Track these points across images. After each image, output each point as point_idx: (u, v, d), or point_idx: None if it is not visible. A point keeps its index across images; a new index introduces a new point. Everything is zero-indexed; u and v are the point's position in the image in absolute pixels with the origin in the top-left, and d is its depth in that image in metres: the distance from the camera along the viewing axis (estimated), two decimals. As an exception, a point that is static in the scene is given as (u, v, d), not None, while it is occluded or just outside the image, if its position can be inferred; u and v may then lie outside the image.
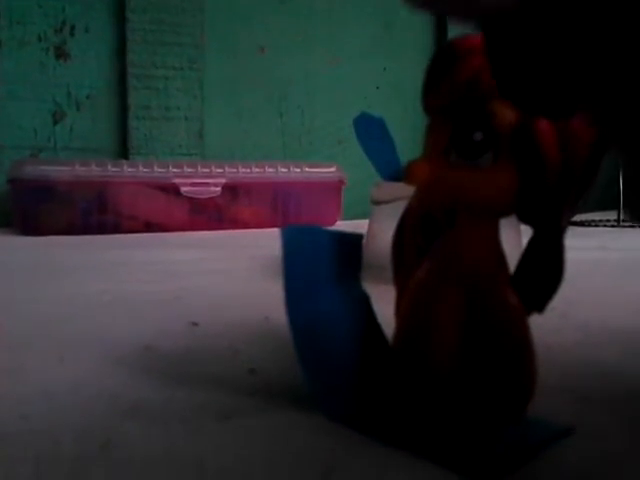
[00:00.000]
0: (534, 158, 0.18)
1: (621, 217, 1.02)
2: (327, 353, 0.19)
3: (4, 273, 0.53)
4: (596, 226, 1.04)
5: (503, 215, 0.19)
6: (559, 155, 0.18)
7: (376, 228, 0.45)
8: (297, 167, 1.03)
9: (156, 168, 0.94)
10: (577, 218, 1.08)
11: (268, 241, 0.79)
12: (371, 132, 0.42)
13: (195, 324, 0.32)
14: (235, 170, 0.99)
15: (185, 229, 0.95)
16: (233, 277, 0.50)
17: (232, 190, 0.98)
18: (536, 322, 0.20)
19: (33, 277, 0.50)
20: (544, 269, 0.19)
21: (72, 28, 1.08)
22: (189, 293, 0.42)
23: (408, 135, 0.94)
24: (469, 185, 0.18)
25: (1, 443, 0.18)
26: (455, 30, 1.10)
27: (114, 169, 0.91)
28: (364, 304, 0.20)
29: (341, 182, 1.06)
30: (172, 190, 0.95)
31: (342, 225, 1.01)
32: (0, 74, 1.04)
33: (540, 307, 0.20)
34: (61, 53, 1.08)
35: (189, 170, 0.96)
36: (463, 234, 0.19)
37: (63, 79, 1.08)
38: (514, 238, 0.37)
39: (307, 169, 1.04)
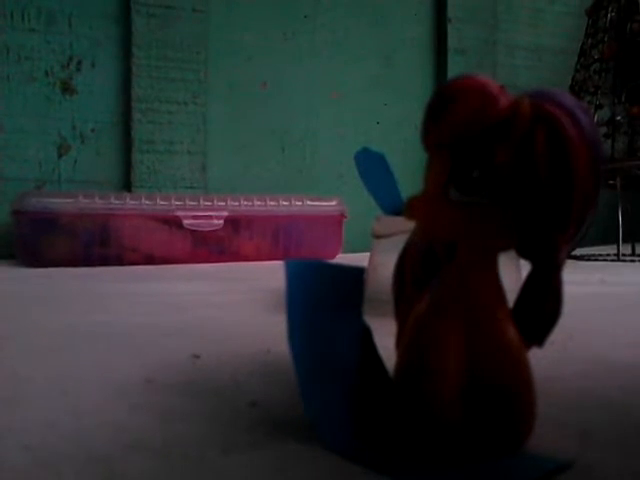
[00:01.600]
0: (531, 194, 0.18)
1: (621, 251, 1.02)
2: (329, 385, 0.19)
3: (6, 304, 0.53)
4: (596, 260, 1.04)
5: (502, 250, 0.20)
6: (556, 190, 0.18)
7: (377, 262, 0.45)
8: (298, 200, 1.04)
9: (159, 201, 0.95)
10: (577, 252, 1.08)
11: (269, 274, 0.79)
12: (372, 167, 0.43)
13: (196, 356, 0.32)
14: (237, 203, 0.99)
15: (187, 261, 0.95)
16: (234, 310, 0.50)
17: (234, 223, 0.99)
18: (536, 356, 0.20)
19: (35, 308, 0.50)
20: (543, 303, 0.19)
21: (79, 63, 1.11)
22: (190, 325, 0.42)
23: (408, 170, 0.95)
24: (468, 221, 0.19)
25: (3, 474, 0.18)
26: (455, 68, 1.12)
27: (117, 202, 0.92)
28: (365, 337, 0.21)
29: (342, 216, 1.07)
30: (174, 223, 0.95)
31: (343, 258, 1.01)
32: (7, 108, 1.06)
33: (539, 341, 0.20)
34: (67, 88, 1.10)
35: (191, 203, 0.96)
36: (463, 268, 0.20)
37: (68, 113, 1.10)
38: (513, 272, 0.37)
39: (308, 202, 1.04)
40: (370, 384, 0.20)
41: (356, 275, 0.20)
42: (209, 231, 0.97)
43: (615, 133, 1.03)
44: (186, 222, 0.96)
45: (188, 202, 0.96)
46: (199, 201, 0.97)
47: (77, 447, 0.20)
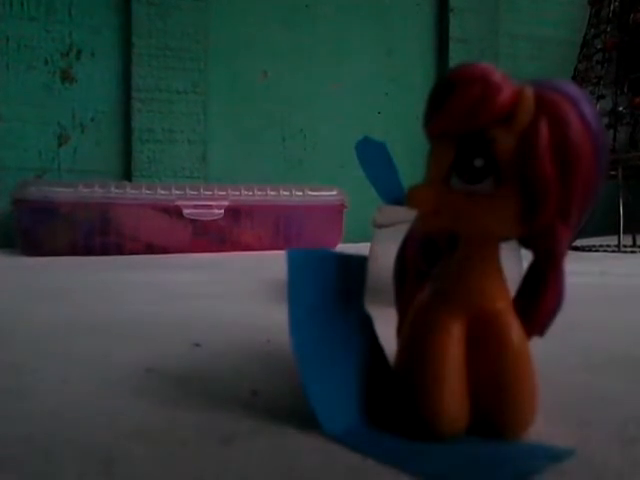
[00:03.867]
0: (534, 183, 0.18)
1: (621, 242, 1.02)
2: (330, 374, 0.19)
3: (6, 293, 0.53)
4: (596, 251, 1.04)
5: (504, 240, 0.19)
6: (559, 180, 0.18)
7: (378, 251, 0.45)
8: (299, 190, 1.04)
9: (159, 190, 0.95)
10: (578, 243, 1.08)
11: (270, 264, 0.79)
12: (373, 156, 0.43)
13: (197, 345, 0.32)
14: (237, 193, 0.99)
15: (187, 251, 0.95)
16: (235, 299, 0.50)
17: (234, 213, 0.99)
18: (537, 347, 0.20)
19: (35, 298, 0.50)
20: (544, 294, 0.19)
21: (78, 52, 1.10)
22: (191, 315, 0.42)
23: (409, 159, 0.95)
24: (470, 210, 0.18)
25: (4, 463, 0.18)
26: (456, 58, 1.11)
27: (117, 191, 0.92)
28: (367, 326, 0.21)
29: (343, 205, 1.07)
30: (175, 212, 0.95)
31: (343, 248, 1.01)
32: (6, 96, 1.06)
33: (540, 331, 0.20)
34: (67, 77, 1.09)
35: (192, 192, 0.96)
36: (464, 258, 0.19)
37: (68, 102, 1.10)
38: (514, 263, 0.37)
39: (309, 192, 1.04)
40: (371, 373, 0.20)
41: (359, 263, 0.20)
42: (209, 220, 0.97)
43: (617, 124, 1.03)
44: (186, 211, 0.96)
45: (188, 191, 0.96)
46: (199, 190, 0.97)
47: (77, 436, 0.20)
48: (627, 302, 0.50)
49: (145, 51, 1.12)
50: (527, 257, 0.20)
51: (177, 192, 0.96)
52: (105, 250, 0.91)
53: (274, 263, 0.78)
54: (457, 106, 0.18)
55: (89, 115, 1.11)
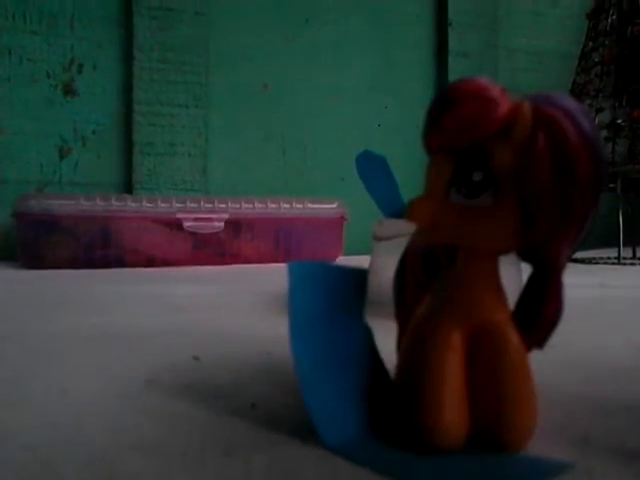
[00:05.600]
0: (532, 197, 0.18)
1: (621, 254, 1.02)
2: (330, 387, 0.19)
3: (7, 306, 0.53)
4: (596, 263, 1.04)
5: (503, 253, 0.20)
6: (557, 194, 0.18)
7: (378, 264, 0.45)
8: (299, 203, 1.04)
9: (160, 203, 0.95)
10: (577, 255, 1.08)
11: (270, 277, 0.79)
12: (373, 169, 0.43)
13: (197, 358, 0.32)
14: (238, 206, 0.99)
15: (188, 264, 0.95)
16: (235, 312, 0.50)
17: (235, 225, 0.99)
18: (536, 359, 0.20)
19: (36, 310, 0.50)
20: (544, 306, 0.19)
21: (80, 66, 1.11)
22: (191, 328, 0.42)
23: (409, 173, 0.95)
24: (469, 224, 0.19)
25: (4, 474, 0.18)
26: (456, 71, 1.12)
27: (118, 204, 0.92)
28: (367, 338, 0.21)
29: (343, 218, 1.07)
30: (175, 225, 0.95)
31: (344, 261, 1.01)
32: (8, 110, 1.06)
33: (540, 344, 0.20)
34: (69, 90, 1.10)
35: (192, 205, 0.96)
36: (464, 271, 0.20)
37: (70, 115, 1.10)
38: (514, 275, 0.37)
39: (309, 205, 1.04)
40: (371, 385, 0.20)
41: (360, 276, 0.20)
42: (210, 233, 0.97)
43: (616, 136, 1.03)
44: (187, 224, 0.96)
45: (189, 204, 0.96)
46: (200, 203, 0.97)
47: (78, 447, 0.20)
48: (627, 314, 0.50)
49: (146, 64, 1.12)
50: (526, 270, 0.20)
51: (178, 205, 0.96)
52: (106, 263, 0.91)
53: (274, 276, 0.78)
54: (455, 121, 0.18)
55: (90, 128, 1.11)
